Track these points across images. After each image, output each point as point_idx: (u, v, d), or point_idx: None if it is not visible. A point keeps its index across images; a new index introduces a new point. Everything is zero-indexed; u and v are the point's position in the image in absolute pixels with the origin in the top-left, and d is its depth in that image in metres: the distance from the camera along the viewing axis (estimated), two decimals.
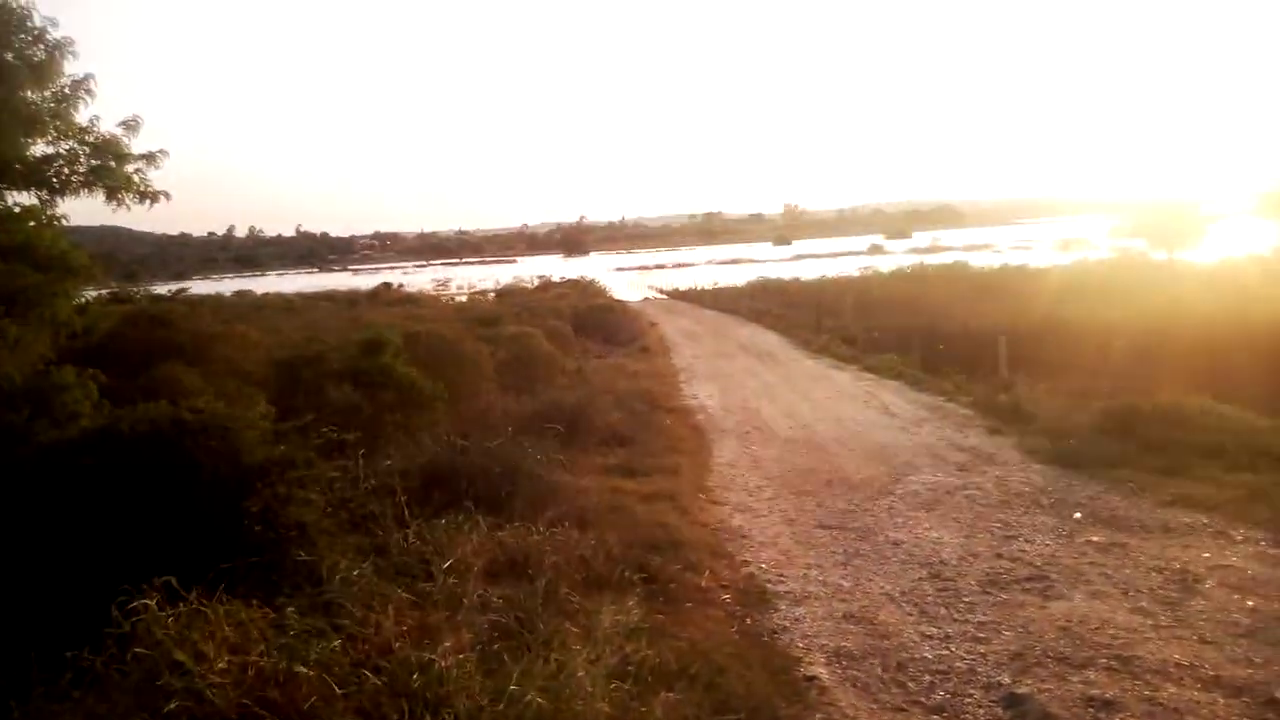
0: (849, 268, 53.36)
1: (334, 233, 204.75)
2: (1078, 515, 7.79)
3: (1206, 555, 6.60)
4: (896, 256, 66.80)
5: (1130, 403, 10.46)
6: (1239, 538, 6.92)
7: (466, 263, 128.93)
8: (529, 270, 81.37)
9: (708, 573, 6.65)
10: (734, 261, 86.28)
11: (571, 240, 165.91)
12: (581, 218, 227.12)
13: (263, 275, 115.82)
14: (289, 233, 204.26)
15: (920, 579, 6.51)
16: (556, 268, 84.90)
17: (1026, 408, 11.76)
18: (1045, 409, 11.57)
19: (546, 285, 53.11)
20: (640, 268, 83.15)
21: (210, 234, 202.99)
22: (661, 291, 50.03)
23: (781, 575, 6.72)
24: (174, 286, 45.59)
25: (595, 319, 28.31)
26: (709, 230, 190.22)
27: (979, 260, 53.82)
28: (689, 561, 6.76)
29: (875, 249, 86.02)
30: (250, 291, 58.88)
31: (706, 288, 46.74)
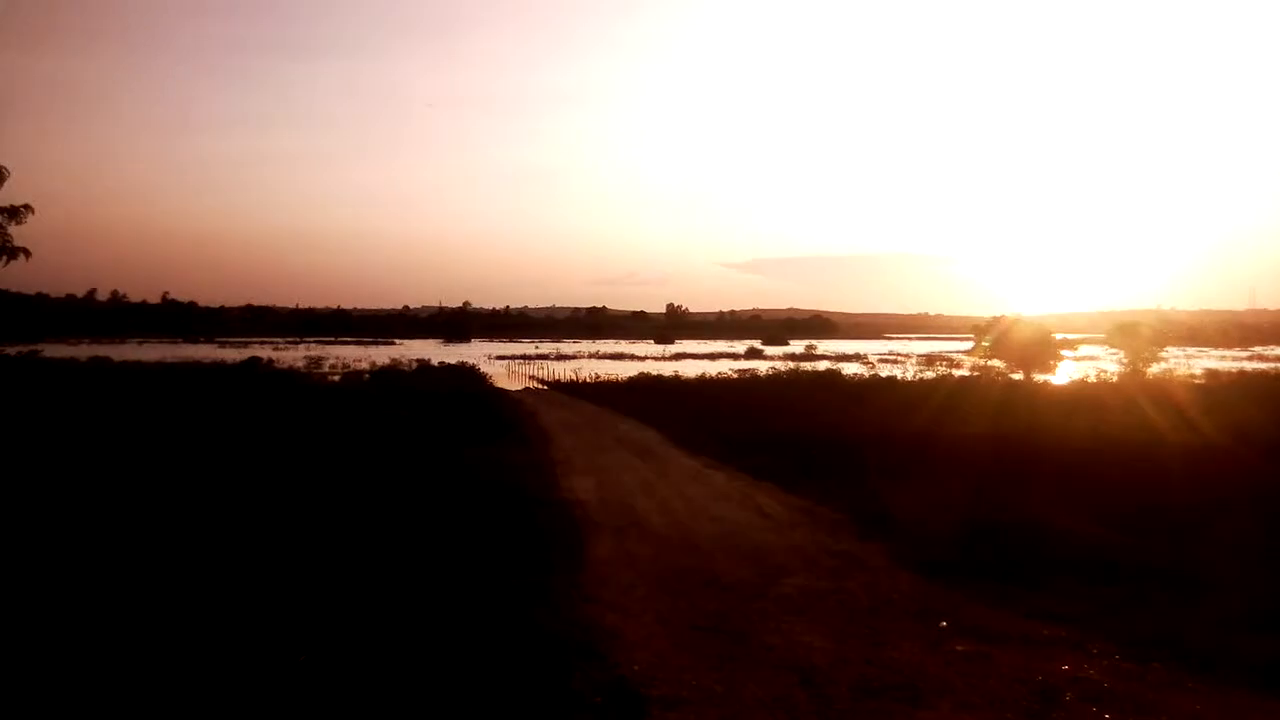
0: (727, 369, 54.52)
1: (203, 302, 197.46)
2: (944, 624, 7.90)
3: (1065, 668, 6.76)
4: (773, 361, 68.69)
5: (993, 515, 10.83)
6: (1095, 650, 7.14)
7: (342, 341, 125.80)
8: (408, 353, 79.99)
9: (577, 674, 6.42)
10: (616, 356, 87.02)
11: (453, 325, 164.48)
12: (465, 303, 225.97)
13: (121, 343, 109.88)
14: (155, 299, 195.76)
15: (793, 684, 6.43)
16: (437, 352, 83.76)
17: (895, 515, 12.02)
18: (913, 517, 11.84)
19: (425, 370, 52.17)
20: (522, 357, 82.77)
21: (69, 296, 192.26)
22: (543, 382, 49.80)
23: (654, 678, 6.53)
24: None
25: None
26: (593, 324, 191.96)
27: (850, 369, 55.97)
28: (559, 662, 6.50)
29: (753, 352, 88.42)
30: (108, 358, 55.75)
31: (588, 380, 46.83)
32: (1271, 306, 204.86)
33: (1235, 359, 76.57)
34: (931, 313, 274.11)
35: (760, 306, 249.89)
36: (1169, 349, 65.53)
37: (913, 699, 6.18)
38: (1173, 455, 15.88)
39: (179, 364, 51.57)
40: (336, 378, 46.73)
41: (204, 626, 7.22)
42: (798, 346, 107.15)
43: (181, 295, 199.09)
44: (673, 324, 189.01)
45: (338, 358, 73.39)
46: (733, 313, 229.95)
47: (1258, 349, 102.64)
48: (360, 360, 67.24)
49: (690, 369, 55.84)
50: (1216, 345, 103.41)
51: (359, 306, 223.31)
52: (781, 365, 60.67)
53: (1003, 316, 61.73)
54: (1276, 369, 57.59)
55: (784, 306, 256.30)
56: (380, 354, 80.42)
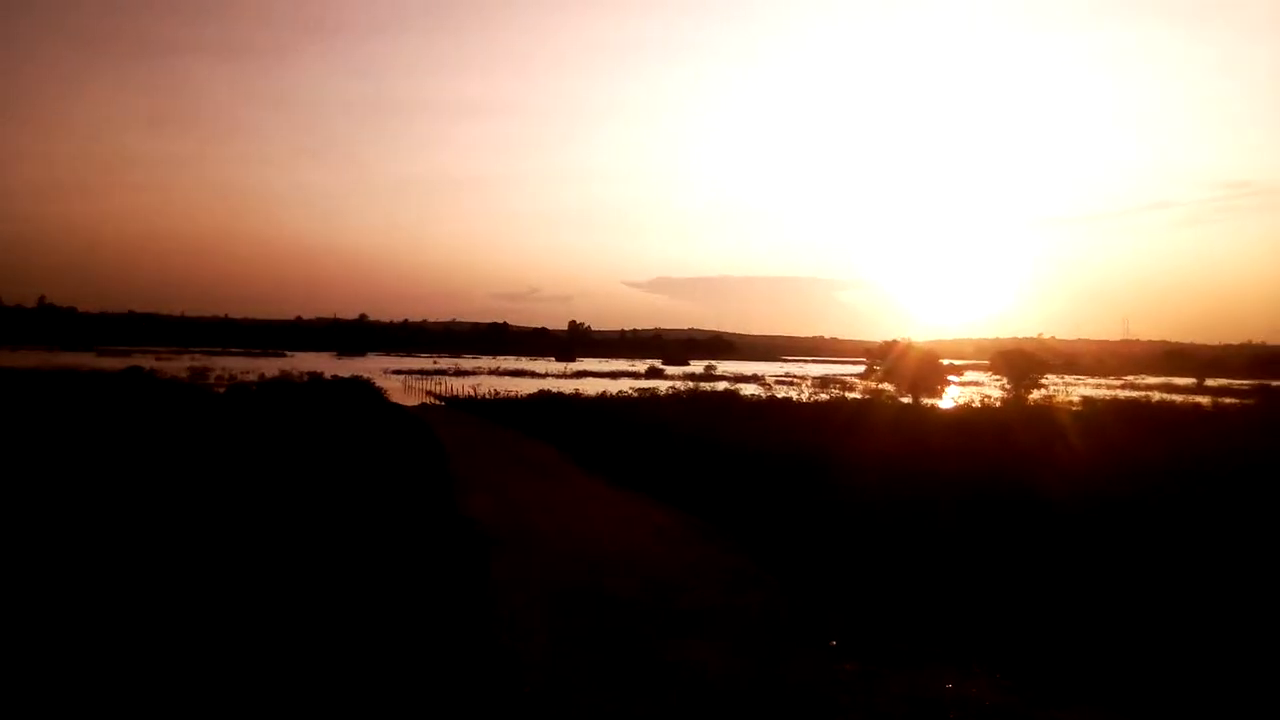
0: (628, 387, 54.68)
1: (82, 308, 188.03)
2: (834, 642, 8.04)
3: (950, 686, 6.95)
4: (673, 380, 69.27)
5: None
6: (976, 670, 7.36)
7: (230, 352, 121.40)
8: (300, 366, 77.74)
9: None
10: (517, 373, 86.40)
11: (349, 337, 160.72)
12: (362, 315, 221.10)
13: None
14: (30, 303, 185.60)
15: (691, 703, 6.44)
16: (330, 366, 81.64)
17: (791, 532, 12.20)
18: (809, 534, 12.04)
19: (317, 383, 50.73)
20: (420, 372, 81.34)
21: None
22: (440, 398, 49.03)
23: (552, 699, 6.45)
24: None
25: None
26: (494, 340, 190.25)
27: (748, 390, 56.84)
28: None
29: (654, 371, 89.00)
30: None
31: (487, 397, 46.30)
32: (1143, 337, 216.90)
33: (1109, 387, 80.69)
34: (827, 336, 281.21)
35: (662, 326, 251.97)
36: (1049, 376, 68.67)
37: (808, 717, 6.26)
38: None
39: (51, 372, 48.90)
40: (221, 389, 45.00)
41: None
42: (698, 366, 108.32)
43: (60, 300, 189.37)
44: (575, 341, 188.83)
45: (224, 369, 70.89)
46: (635, 331, 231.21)
47: (1130, 377, 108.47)
48: (248, 372, 64.98)
49: (591, 387, 55.79)
50: (1093, 373, 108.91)
51: (248, 316, 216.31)
52: (681, 385, 61.22)
53: (895, 341, 63.87)
54: (1146, 396, 60.99)
55: (685, 326, 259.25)
56: (270, 366, 77.96)
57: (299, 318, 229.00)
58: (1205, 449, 22.50)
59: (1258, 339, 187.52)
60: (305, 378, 55.38)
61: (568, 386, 57.63)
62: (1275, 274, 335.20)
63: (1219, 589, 9.13)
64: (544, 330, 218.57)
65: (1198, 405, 47.64)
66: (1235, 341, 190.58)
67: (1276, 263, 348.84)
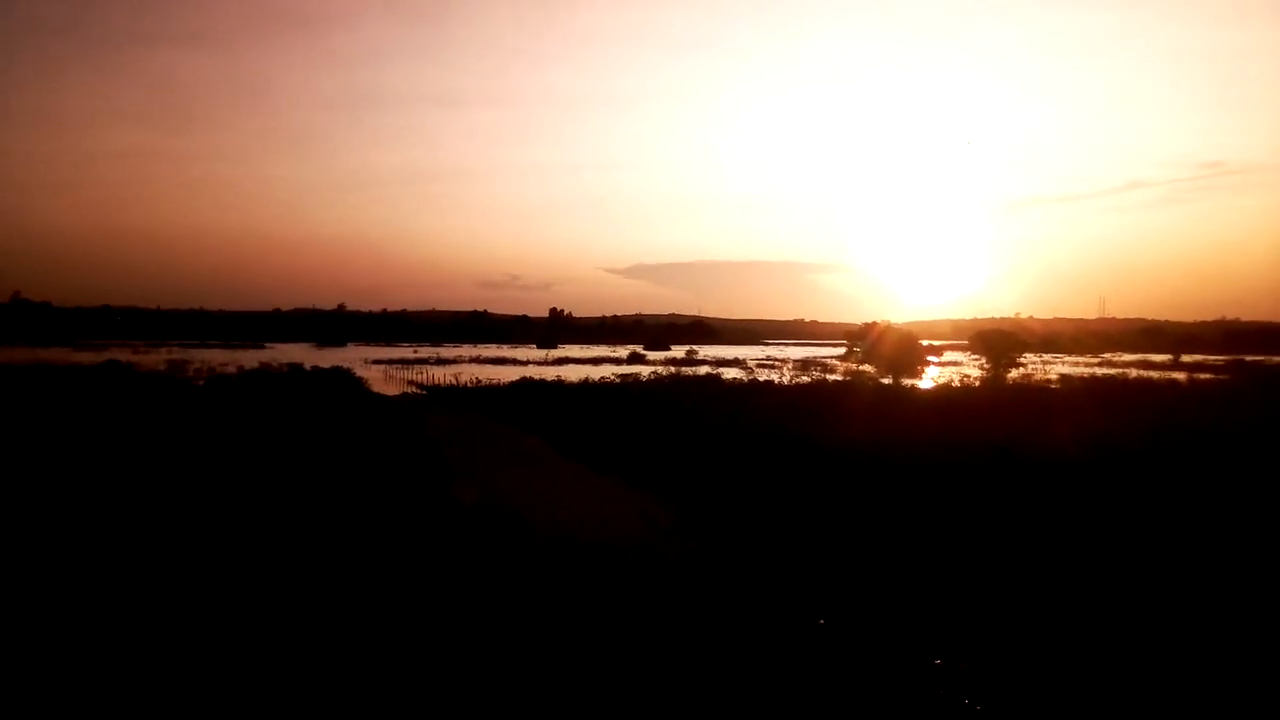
0: (610, 373, 54.72)
1: (58, 303, 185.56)
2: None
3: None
4: (655, 365, 69.31)
5: None
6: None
7: (208, 344, 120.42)
8: (279, 357, 77.29)
9: None
10: (498, 361, 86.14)
11: (328, 328, 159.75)
12: (341, 305, 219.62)
13: None
14: (4, 299, 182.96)
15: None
16: (309, 356, 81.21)
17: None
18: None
19: (297, 374, 50.50)
20: (400, 361, 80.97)
21: None
22: (422, 387, 48.90)
23: None
24: None
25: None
26: (475, 328, 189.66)
27: (730, 374, 56.99)
28: None
29: (636, 357, 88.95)
30: None
31: (469, 385, 46.21)
32: (1119, 315, 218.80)
33: (1087, 364, 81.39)
34: (807, 319, 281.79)
35: (643, 311, 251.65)
36: (1027, 355, 69.24)
37: None
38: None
39: (28, 367, 48.37)
40: (201, 382, 44.70)
41: None
42: (679, 351, 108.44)
43: (35, 296, 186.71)
44: (556, 328, 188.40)
45: (203, 361, 70.22)
46: (615, 317, 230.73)
47: (1107, 355, 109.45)
48: (227, 364, 64.47)
49: (573, 373, 55.76)
50: (1070, 352, 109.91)
51: (226, 308, 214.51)
52: (663, 369, 61.29)
53: (874, 323, 64.18)
54: (1123, 373, 61.60)
55: (666, 311, 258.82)
56: (249, 357, 77.38)
57: (277, 309, 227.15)
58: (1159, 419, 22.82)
59: (1230, 315, 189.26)
60: (285, 368, 55.11)
61: (549, 373, 57.55)
62: (1248, 251, 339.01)
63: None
64: (525, 318, 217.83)
65: (1173, 380, 48.19)
66: (1210, 318, 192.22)
67: (1249, 240, 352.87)
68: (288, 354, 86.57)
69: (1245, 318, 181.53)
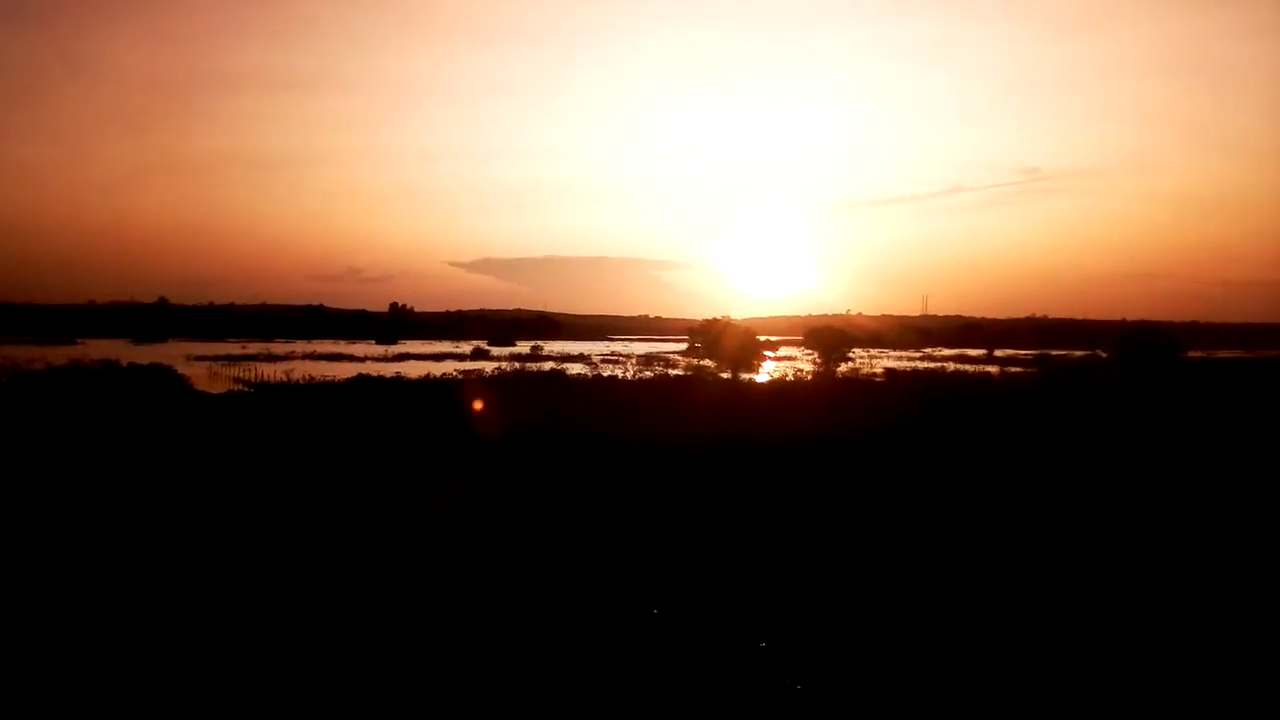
0: (452, 369, 53.85)
1: None
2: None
3: None
4: (499, 361, 68.65)
5: None
6: None
7: (11, 340, 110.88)
8: (91, 353, 72.07)
9: None
10: (334, 357, 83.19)
11: (147, 322, 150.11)
12: (161, 298, 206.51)
13: None
14: None
15: None
16: (126, 352, 76.09)
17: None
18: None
19: (112, 371, 47.19)
20: (227, 358, 76.90)
21: None
22: (248, 385, 46.68)
23: None
24: None
25: None
26: (309, 323, 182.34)
27: (575, 369, 57.18)
28: None
29: (479, 353, 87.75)
30: None
31: (300, 382, 44.44)
32: (941, 312, 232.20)
33: (910, 359, 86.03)
34: (652, 315, 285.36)
35: (488, 306, 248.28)
36: (856, 350, 72.54)
37: None
38: None
39: None
40: (2, 380, 41.10)
41: None
42: (524, 346, 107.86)
43: None
44: (397, 323, 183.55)
45: (5, 357, 64.65)
46: (460, 312, 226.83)
47: (928, 350, 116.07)
48: (34, 361, 59.51)
49: (414, 370, 54.50)
50: (895, 347, 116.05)
51: (32, 300, 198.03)
52: (507, 365, 60.85)
53: (715, 320, 65.79)
54: (943, 367, 65.46)
55: (512, 307, 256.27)
56: (58, 354, 71.78)
57: (92, 301, 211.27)
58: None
59: (1040, 313, 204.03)
60: (98, 366, 51.38)
61: (389, 370, 56.06)
62: (1057, 253, 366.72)
63: None
64: (364, 312, 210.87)
65: (986, 373, 51.70)
66: (1021, 315, 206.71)
67: (1059, 242, 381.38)
68: (102, 350, 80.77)
69: (1053, 315, 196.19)
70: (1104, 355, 59.00)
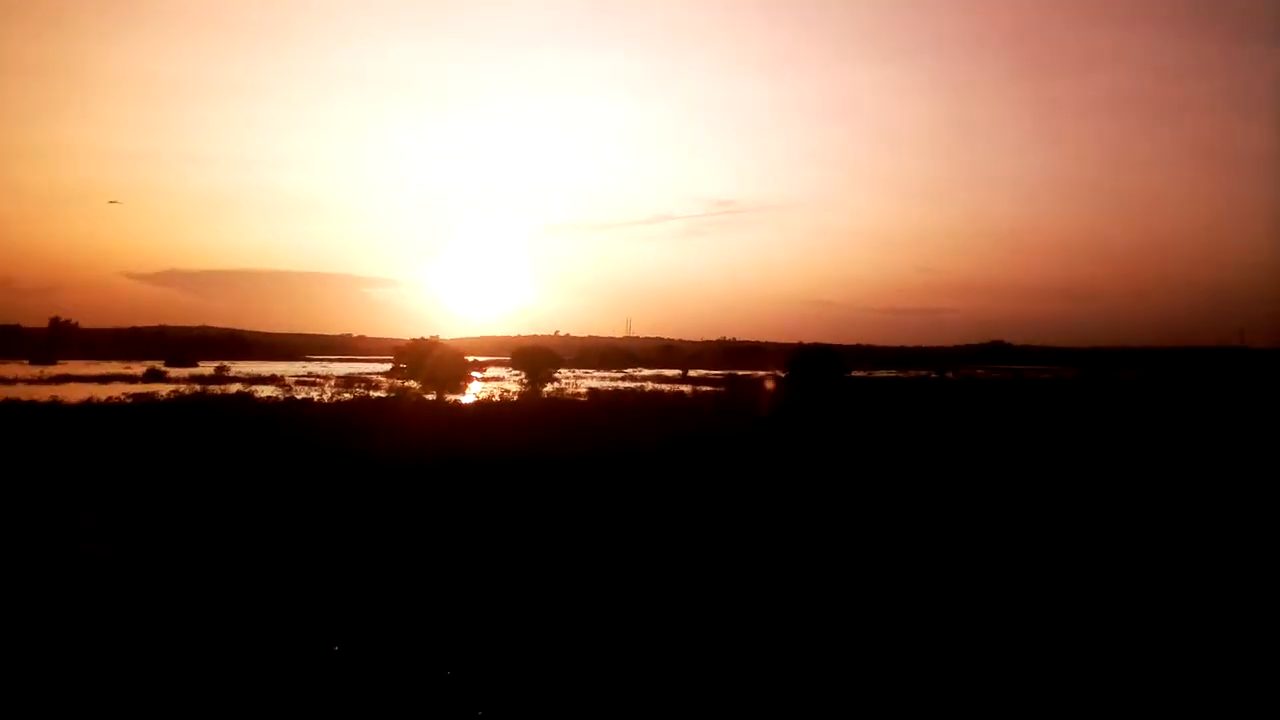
0: (120, 393, 48.81)
1: None
2: None
3: None
4: (178, 384, 63.09)
5: None
6: None
7: None
8: None
9: None
10: None
11: None
12: None
13: None
14: None
15: None
16: None
17: None
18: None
19: None
20: None
21: None
22: None
23: None
24: None
25: None
26: None
27: (266, 391, 53.82)
28: None
29: (154, 374, 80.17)
30: None
31: None
32: (643, 334, 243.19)
33: (613, 379, 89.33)
34: (355, 334, 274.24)
35: (170, 323, 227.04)
36: (561, 370, 74.21)
37: None
38: None
39: None
40: None
41: None
42: (209, 368, 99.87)
43: None
44: (57, 341, 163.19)
45: None
46: (135, 329, 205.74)
47: (629, 370, 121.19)
48: None
49: (75, 394, 48.76)
50: (599, 367, 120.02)
51: None
52: (186, 388, 56.18)
53: (422, 339, 64.59)
54: (641, 386, 68.60)
55: (197, 324, 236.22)
56: None
57: None
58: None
59: (729, 335, 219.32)
60: None
61: (44, 393, 49.77)
62: (745, 280, 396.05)
63: None
64: (17, 328, 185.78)
65: (678, 392, 54.87)
66: (713, 338, 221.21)
67: (746, 270, 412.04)
68: None
69: (740, 338, 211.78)
70: (782, 375, 64.51)
